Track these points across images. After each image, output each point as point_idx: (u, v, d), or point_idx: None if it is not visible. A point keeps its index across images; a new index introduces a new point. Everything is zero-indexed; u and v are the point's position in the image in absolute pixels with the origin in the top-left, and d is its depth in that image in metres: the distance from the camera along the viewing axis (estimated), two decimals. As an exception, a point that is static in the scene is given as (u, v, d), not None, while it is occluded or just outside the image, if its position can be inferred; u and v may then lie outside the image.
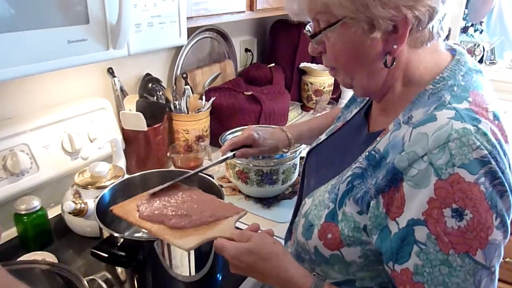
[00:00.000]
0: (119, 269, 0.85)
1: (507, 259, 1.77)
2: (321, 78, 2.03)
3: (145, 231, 0.81)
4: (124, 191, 0.99)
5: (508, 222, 0.61)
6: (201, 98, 1.53)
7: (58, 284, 0.78)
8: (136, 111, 1.34)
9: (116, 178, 1.09)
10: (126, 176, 1.09)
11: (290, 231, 0.97)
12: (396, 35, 0.65)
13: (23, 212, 1.01)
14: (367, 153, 0.72)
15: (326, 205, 0.76)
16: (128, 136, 1.35)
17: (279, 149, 1.15)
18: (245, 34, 2.05)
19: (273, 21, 2.07)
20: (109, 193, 0.96)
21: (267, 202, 1.30)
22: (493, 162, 0.59)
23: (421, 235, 0.61)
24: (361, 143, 0.78)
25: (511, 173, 0.62)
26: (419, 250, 0.61)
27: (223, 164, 1.34)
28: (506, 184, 0.60)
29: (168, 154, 1.39)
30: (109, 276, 0.86)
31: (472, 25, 2.91)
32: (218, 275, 0.94)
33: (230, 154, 1.06)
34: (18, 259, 0.94)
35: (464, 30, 2.90)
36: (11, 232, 1.08)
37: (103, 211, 0.88)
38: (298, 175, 1.31)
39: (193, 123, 1.50)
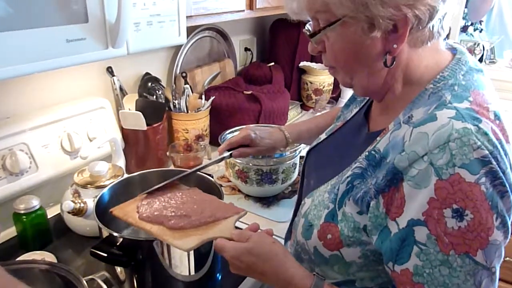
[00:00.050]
0: (118, 269, 0.85)
1: (507, 258, 1.77)
2: (321, 77, 2.03)
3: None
4: (123, 190, 0.99)
5: (509, 223, 0.61)
6: (200, 97, 1.53)
7: (57, 284, 0.77)
8: (136, 110, 1.33)
9: (116, 177, 1.09)
10: (126, 175, 1.09)
11: (290, 231, 0.96)
12: (396, 34, 0.65)
13: (22, 212, 1.01)
14: (367, 153, 0.72)
15: (325, 205, 0.76)
16: (128, 136, 1.35)
17: (276, 149, 1.15)
18: (245, 33, 2.05)
19: (272, 20, 2.07)
20: (109, 193, 0.96)
21: (266, 201, 1.30)
22: (494, 162, 0.59)
23: (421, 236, 0.61)
24: (361, 143, 0.78)
25: None
26: (419, 251, 0.61)
27: (223, 163, 1.34)
28: (507, 184, 0.60)
29: (167, 153, 1.39)
30: (109, 275, 0.86)
31: (471, 24, 2.91)
32: (218, 275, 0.94)
33: (227, 153, 1.06)
34: (17, 259, 0.94)
35: (464, 29, 2.90)
36: (10, 232, 1.07)
37: (103, 211, 0.88)
38: (298, 175, 1.31)
39: (192, 123, 1.50)
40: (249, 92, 1.67)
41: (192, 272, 0.86)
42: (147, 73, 1.46)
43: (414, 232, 0.61)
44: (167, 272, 0.83)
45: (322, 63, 0.78)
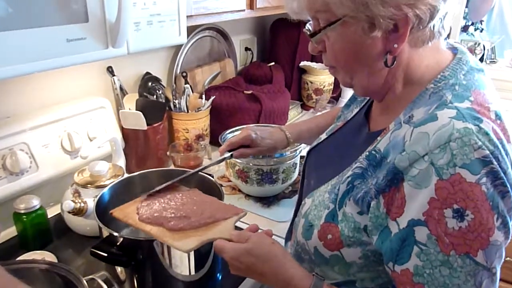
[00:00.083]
0: (118, 269, 0.85)
1: (508, 259, 1.76)
2: (321, 77, 2.03)
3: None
4: (123, 190, 0.99)
5: (510, 223, 0.61)
6: (201, 97, 1.53)
7: (58, 284, 0.77)
8: (136, 110, 1.33)
9: (116, 177, 1.09)
10: (126, 175, 1.09)
11: (290, 231, 0.96)
12: (396, 34, 0.65)
13: (22, 211, 1.01)
14: (367, 153, 0.72)
15: (326, 206, 0.76)
16: (128, 135, 1.35)
17: (277, 149, 1.15)
18: (245, 32, 2.05)
19: (273, 20, 2.06)
20: (109, 192, 0.96)
21: (267, 201, 1.30)
22: (495, 162, 0.59)
23: (421, 236, 0.60)
24: (361, 143, 0.78)
25: None
26: (420, 251, 0.61)
27: (223, 163, 1.34)
28: (507, 185, 0.60)
29: (168, 153, 1.39)
30: (109, 275, 0.86)
31: (472, 23, 2.91)
32: (218, 275, 0.94)
33: (228, 154, 1.06)
34: (17, 259, 0.94)
35: (465, 29, 2.90)
36: (11, 231, 1.07)
37: (103, 210, 0.88)
38: (298, 174, 1.31)
39: (193, 122, 1.50)
40: (249, 92, 1.67)
41: (193, 272, 0.86)
42: (147, 73, 1.46)
43: (415, 232, 0.61)
44: (167, 272, 0.83)
45: (322, 62, 0.78)
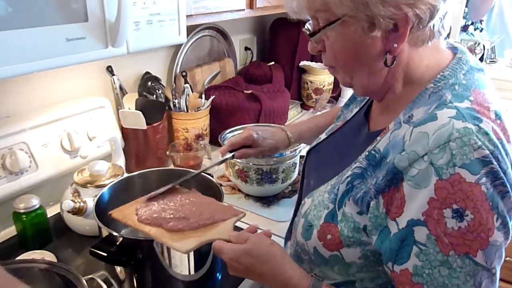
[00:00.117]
0: (118, 268, 0.85)
1: (508, 258, 1.76)
2: (321, 76, 2.03)
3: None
4: (123, 190, 0.99)
5: (510, 224, 0.60)
6: (200, 97, 1.53)
7: (57, 283, 0.77)
8: (136, 109, 1.33)
9: (115, 177, 1.08)
10: (126, 175, 1.09)
11: (290, 231, 0.96)
12: (396, 33, 0.65)
13: (22, 211, 1.01)
14: (367, 153, 0.72)
15: (325, 206, 0.75)
16: (128, 135, 1.35)
17: (279, 149, 1.14)
18: (245, 32, 2.05)
19: (272, 19, 2.06)
20: (108, 192, 0.96)
21: (266, 201, 1.30)
22: (495, 162, 0.58)
23: (421, 236, 0.60)
24: (361, 143, 0.78)
25: None
26: (419, 251, 0.61)
27: (226, 162, 1.34)
28: (507, 185, 0.60)
29: (167, 152, 1.39)
30: (108, 275, 0.86)
31: (472, 23, 2.91)
32: (218, 274, 0.94)
33: (229, 155, 1.05)
34: (17, 258, 0.94)
35: (464, 28, 2.90)
36: (10, 231, 1.07)
37: (102, 210, 0.88)
38: (298, 174, 1.31)
39: (192, 122, 1.50)
40: (249, 92, 1.67)
41: (192, 272, 0.86)
42: (147, 72, 1.46)
43: (414, 232, 0.61)
44: (167, 272, 0.83)
45: (322, 62, 0.78)
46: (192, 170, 1.04)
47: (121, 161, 1.26)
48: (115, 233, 0.81)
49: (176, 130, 1.52)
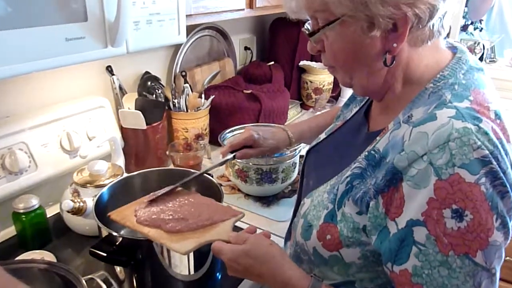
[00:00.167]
0: (118, 268, 0.85)
1: (508, 258, 1.76)
2: (321, 76, 2.03)
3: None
4: (123, 189, 0.99)
5: (509, 224, 0.60)
6: (200, 97, 1.53)
7: (57, 283, 0.77)
8: (135, 109, 1.33)
9: (115, 176, 1.08)
10: (125, 174, 1.09)
11: (290, 232, 0.96)
12: (396, 33, 0.65)
13: (21, 211, 1.01)
14: (366, 153, 0.72)
15: (325, 206, 0.75)
16: (127, 135, 1.35)
17: (279, 149, 1.14)
18: (245, 32, 2.05)
19: (272, 19, 2.06)
20: (108, 192, 0.96)
21: (266, 200, 1.30)
22: (494, 162, 0.58)
23: (420, 236, 0.60)
24: (360, 143, 0.78)
25: None
26: (418, 251, 0.61)
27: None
28: (507, 185, 0.59)
29: (167, 152, 1.38)
30: (108, 275, 0.86)
31: (472, 23, 2.91)
32: (217, 274, 0.94)
33: (230, 156, 1.05)
34: (16, 258, 0.94)
35: (464, 28, 2.90)
36: (10, 231, 1.07)
37: (102, 210, 0.88)
38: (298, 174, 1.31)
39: (192, 122, 1.50)
40: (249, 91, 1.67)
41: (192, 272, 0.86)
42: (146, 72, 1.46)
43: (413, 233, 0.61)
44: (166, 272, 0.83)
45: (322, 62, 0.78)
46: (192, 170, 1.04)
47: (120, 161, 1.26)
48: (114, 233, 0.80)
49: (176, 130, 1.52)
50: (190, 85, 1.53)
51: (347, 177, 0.73)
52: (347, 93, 2.04)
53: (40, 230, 1.04)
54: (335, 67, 0.74)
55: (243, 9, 1.40)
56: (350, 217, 0.70)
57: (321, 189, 0.79)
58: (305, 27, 0.74)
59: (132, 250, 0.80)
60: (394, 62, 0.68)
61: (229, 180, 1.36)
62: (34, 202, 1.02)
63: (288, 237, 0.98)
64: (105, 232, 0.82)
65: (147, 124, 1.32)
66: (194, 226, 0.80)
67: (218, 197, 0.93)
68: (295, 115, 2.03)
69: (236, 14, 1.38)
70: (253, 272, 0.73)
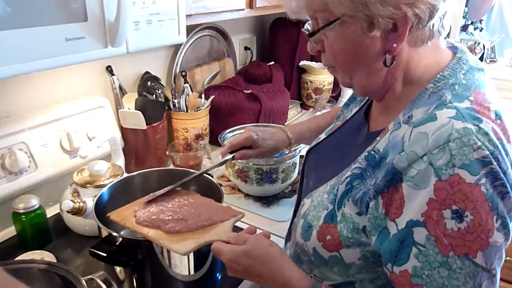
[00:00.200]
0: (117, 269, 0.85)
1: (508, 258, 1.76)
2: (321, 76, 2.03)
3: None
4: (123, 190, 0.99)
5: (510, 224, 0.60)
6: (200, 97, 1.53)
7: (57, 284, 0.77)
8: (135, 109, 1.33)
9: (115, 177, 1.08)
10: (125, 175, 1.09)
11: (290, 232, 0.96)
12: (396, 33, 0.65)
13: (21, 211, 1.00)
14: (366, 153, 0.72)
15: (325, 206, 0.75)
16: (127, 135, 1.34)
17: (279, 150, 1.14)
18: (245, 32, 2.05)
19: (272, 19, 2.06)
20: (108, 192, 0.96)
21: (266, 201, 1.30)
22: (495, 163, 0.58)
23: (420, 237, 0.60)
24: (360, 143, 0.77)
25: None
26: (418, 252, 0.60)
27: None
28: (507, 185, 0.59)
29: (167, 152, 1.38)
30: (108, 275, 0.86)
31: (472, 23, 2.91)
32: (217, 275, 0.94)
33: (229, 156, 1.06)
34: (16, 258, 0.94)
35: (464, 28, 2.90)
36: (10, 231, 1.07)
37: (102, 210, 0.88)
38: (298, 174, 1.31)
39: (192, 122, 1.50)
40: (249, 91, 1.67)
41: (192, 272, 0.86)
42: (146, 72, 1.46)
43: (413, 233, 0.61)
44: (166, 272, 0.83)
45: (322, 62, 0.77)
46: (192, 170, 1.04)
47: (120, 161, 1.26)
48: (114, 233, 0.80)
49: (176, 130, 1.52)
50: (190, 85, 1.53)
51: (347, 177, 0.73)
52: (347, 93, 2.04)
53: (40, 230, 1.04)
54: (335, 67, 0.74)
55: (243, 9, 1.40)
56: (350, 217, 0.70)
57: (321, 190, 0.79)
58: (305, 27, 0.74)
59: (132, 250, 0.80)
60: (394, 62, 0.68)
61: (229, 180, 1.36)
62: (34, 202, 1.02)
63: (288, 237, 0.98)
64: (105, 232, 0.82)
65: (147, 124, 1.32)
66: (194, 227, 0.80)
67: (218, 197, 0.93)
68: (295, 115, 2.03)
69: (236, 14, 1.38)
70: (253, 272, 0.73)
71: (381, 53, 0.67)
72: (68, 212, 1.00)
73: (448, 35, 0.72)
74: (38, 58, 0.76)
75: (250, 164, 1.23)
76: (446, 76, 0.68)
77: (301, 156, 1.22)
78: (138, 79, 1.45)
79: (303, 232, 0.78)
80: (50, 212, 1.15)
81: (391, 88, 0.73)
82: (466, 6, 2.69)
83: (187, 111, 1.50)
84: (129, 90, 1.40)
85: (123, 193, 0.98)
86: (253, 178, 1.25)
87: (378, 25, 0.64)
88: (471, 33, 2.92)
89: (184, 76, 1.54)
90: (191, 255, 0.84)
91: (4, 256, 0.99)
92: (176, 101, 1.49)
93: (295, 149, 1.25)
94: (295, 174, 1.31)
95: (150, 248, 0.80)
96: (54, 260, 0.96)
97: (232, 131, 1.36)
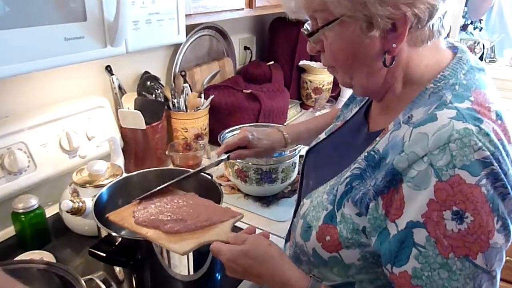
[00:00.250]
0: (117, 269, 0.85)
1: (508, 258, 1.76)
2: (321, 76, 2.03)
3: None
4: (122, 189, 0.99)
5: (510, 226, 0.60)
6: (199, 96, 1.53)
7: (56, 284, 0.77)
8: (135, 109, 1.33)
9: (114, 176, 1.08)
10: (124, 174, 1.09)
11: (289, 232, 0.96)
12: (395, 33, 0.65)
13: (20, 211, 1.00)
14: (366, 154, 0.71)
15: (324, 207, 0.75)
16: (127, 135, 1.34)
17: (275, 150, 1.14)
18: (244, 31, 2.04)
19: (272, 19, 2.06)
20: (107, 192, 0.96)
21: (266, 200, 1.30)
22: (495, 164, 0.58)
23: (420, 238, 0.60)
24: (360, 143, 0.77)
25: None
26: (418, 253, 0.60)
27: (222, 163, 1.33)
28: (508, 186, 0.59)
29: (166, 152, 1.38)
30: (107, 275, 0.86)
31: (471, 22, 2.91)
32: (217, 275, 0.94)
33: (224, 156, 1.06)
34: (15, 258, 0.94)
35: (464, 27, 2.89)
36: (9, 231, 1.07)
37: (101, 210, 0.88)
38: (298, 174, 1.31)
39: (191, 121, 1.50)
40: (248, 91, 1.67)
41: (191, 272, 0.86)
42: (146, 72, 1.46)
43: (413, 234, 0.60)
44: (166, 272, 0.83)
45: (321, 62, 0.77)
46: (192, 170, 1.04)
47: (120, 161, 1.26)
48: (114, 233, 0.80)
49: (175, 130, 1.51)
50: (189, 85, 1.53)
51: (346, 177, 0.73)
52: (347, 93, 2.04)
53: (39, 230, 1.04)
54: (335, 67, 0.74)
55: (243, 9, 1.40)
56: (350, 218, 0.70)
57: (321, 190, 0.79)
58: (305, 27, 0.74)
59: (132, 250, 0.80)
60: (394, 62, 0.68)
61: (228, 180, 1.36)
62: (33, 202, 1.01)
63: (288, 237, 0.97)
64: (104, 232, 0.82)
65: (146, 124, 1.32)
66: (193, 227, 0.80)
67: (218, 197, 0.93)
68: (294, 115, 2.03)
69: (236, 14, 1.38)
70: (252, 272, 0.73)
71: (381, 53, 0.67)
72: (67, 212, 1.00)
73: (448, 35, 0.72)
74: (37, 58, 0.76)
75: (250, 164, 1.23)
76: (446, 76, 0.68)
77: (300, 156, 1.22)
78: (137, 78, 1.45)
79: (303, 232, 0.78)
80: (49, 212, 1.15)
81: (391, 88, 0.73)
82: (465, 5, 2.69)
83: (186, 110, 1.49)
84: (128, 90, 1.40)
85: (122, 193, 0.98)
86: (253, 178, 1.24)
87: (377, 25, 0.64)
88: (470, 32, 2.92)
89: (184, 76, 1.54)
90: (191, 255, 0.84)
91: (3, 256, 0.99)
92: (175, 100, 1.49)
93: (295, 149, 1.25)
94: (294, 174, 1.31)
95: (149, 248, 0.80)
96: (53, 260, 0.96)
97: (232, 131, 1.36)
